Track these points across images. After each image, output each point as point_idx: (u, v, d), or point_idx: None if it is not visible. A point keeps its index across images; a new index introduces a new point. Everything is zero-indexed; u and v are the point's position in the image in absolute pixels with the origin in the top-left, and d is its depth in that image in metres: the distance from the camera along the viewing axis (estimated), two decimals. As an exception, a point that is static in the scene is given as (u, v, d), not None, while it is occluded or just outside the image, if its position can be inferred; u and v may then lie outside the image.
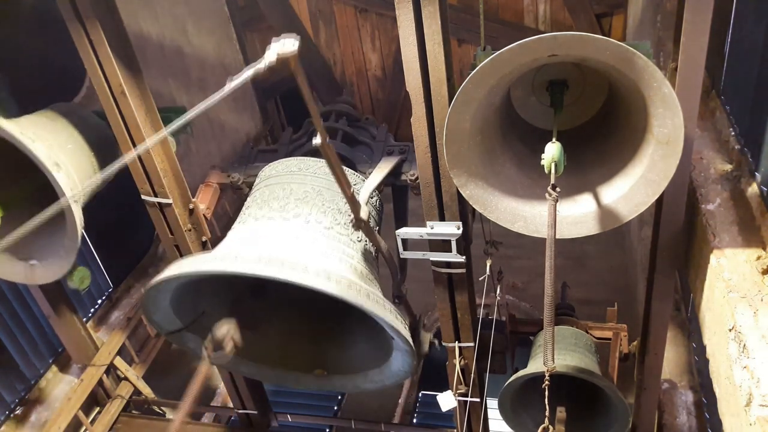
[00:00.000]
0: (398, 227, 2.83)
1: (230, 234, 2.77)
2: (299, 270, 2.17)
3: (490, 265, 3.11)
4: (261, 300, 2.86)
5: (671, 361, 4.30)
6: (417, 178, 2.81)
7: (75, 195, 2.86)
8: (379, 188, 3.08)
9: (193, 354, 2.97)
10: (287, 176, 2.89)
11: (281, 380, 3.08)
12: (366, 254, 2.75)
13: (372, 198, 2.97)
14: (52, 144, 2.93)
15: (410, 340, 2.44)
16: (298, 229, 2.62)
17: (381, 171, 3.01)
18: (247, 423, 4.60)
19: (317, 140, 1.81)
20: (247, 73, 1.36)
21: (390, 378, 2.86)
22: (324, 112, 3.56)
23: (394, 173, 3.12)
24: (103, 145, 3.28)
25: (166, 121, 3.08)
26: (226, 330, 2.32)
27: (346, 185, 2.12)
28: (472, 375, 3.35)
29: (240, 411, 4.47)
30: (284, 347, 3.02)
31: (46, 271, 3.20)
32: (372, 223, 2.82)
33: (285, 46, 1.49)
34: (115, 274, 5.59)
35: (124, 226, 5.50)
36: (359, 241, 2.73)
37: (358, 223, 2.34)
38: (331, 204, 2.76)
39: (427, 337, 3.48)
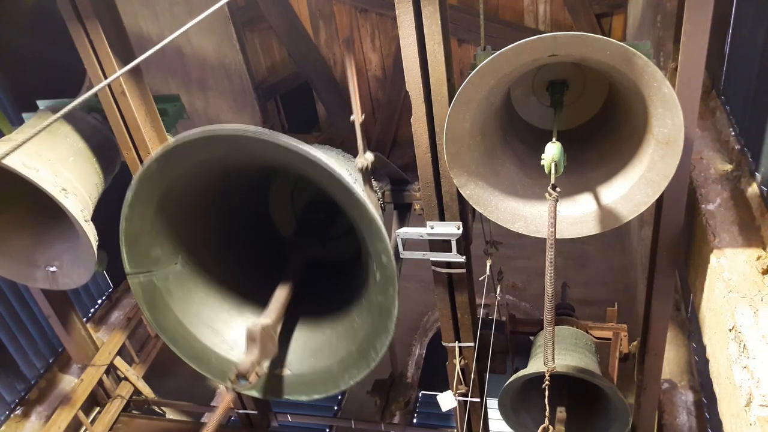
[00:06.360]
0: None
1: None
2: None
3: (490, 265, 3.11)
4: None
5: (671, 361, 4.30)
6: (420, 189, 2.82)
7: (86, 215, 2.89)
8: (382, 187, 3.12)
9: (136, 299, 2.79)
10: None
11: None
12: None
13: (376, 188, 2.99)
14: (55, 162, 2.90)
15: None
16: None
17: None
18: (247, 423, 4.60)
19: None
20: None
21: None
22: None
23: (398, 187, 3.16)
24: (103, 146, 3.26)
25: (161, 112, 3.10)
26: (251, 364, 2.36)
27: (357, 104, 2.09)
28: (472, 375, 3.35)
29: (240, 411, 4.47)
30: None
31: (68, 278, 3.22)
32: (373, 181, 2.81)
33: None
34: (115, 274, 5.59)
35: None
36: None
37: (365, 157, 2.37)
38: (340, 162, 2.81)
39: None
